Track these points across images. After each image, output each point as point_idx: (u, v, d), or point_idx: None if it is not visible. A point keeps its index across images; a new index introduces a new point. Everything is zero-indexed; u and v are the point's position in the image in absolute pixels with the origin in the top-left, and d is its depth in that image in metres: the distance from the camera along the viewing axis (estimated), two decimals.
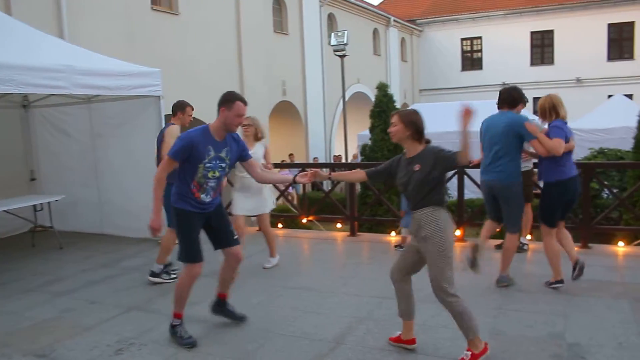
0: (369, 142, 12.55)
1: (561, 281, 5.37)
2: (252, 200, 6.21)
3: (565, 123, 5.30)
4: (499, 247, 6.72)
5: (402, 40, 28.46)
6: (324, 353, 4.19)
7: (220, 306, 4.75)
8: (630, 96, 20.02)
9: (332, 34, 13.79)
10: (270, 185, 6.44)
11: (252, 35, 14.49)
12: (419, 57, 29.97)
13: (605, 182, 8.67)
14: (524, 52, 28.14)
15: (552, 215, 5.29)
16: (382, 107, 11.86)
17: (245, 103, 4.19)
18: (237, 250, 4.51)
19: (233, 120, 4.14)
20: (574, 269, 5.31)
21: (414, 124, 3.79)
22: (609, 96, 19.22)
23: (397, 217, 8.02)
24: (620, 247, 6.96)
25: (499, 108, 5.42)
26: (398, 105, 25.77)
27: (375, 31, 25.57)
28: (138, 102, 7.61)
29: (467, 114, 3.57)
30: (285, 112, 18.05)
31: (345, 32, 13.44)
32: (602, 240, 7.68)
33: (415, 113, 3.89)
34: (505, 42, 27.78)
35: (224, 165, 4.27)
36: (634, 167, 9.43)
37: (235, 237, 4.54)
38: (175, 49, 11.91)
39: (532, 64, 28.19)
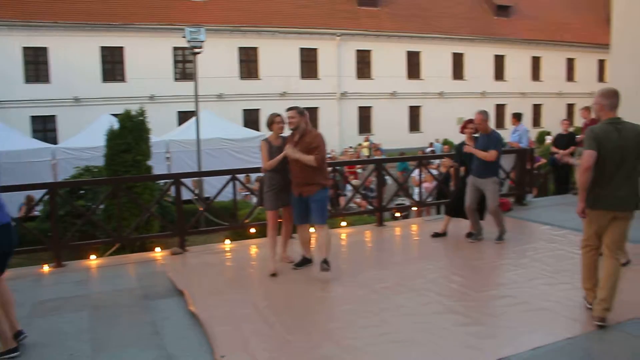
0: None
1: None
2: None
3: None
4: None
5: None
6: None
7: None
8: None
9: None
10: None
11: None
12: None
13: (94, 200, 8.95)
14: (17, 68, 26.78)
15: None
16: None
17: None
18: None
19: None
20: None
21: None
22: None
23: None
24: (93, 260, 7.28)
25: None
26: None
27: None
28: None
29: None
30: None
31: None
32: (84, 255, 7.86)
33: None
34: None
35: None
36: (99, 182, 9.72)
37: None
38: None
39: (27, 81, 27.06)
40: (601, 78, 40.35)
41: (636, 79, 10.21)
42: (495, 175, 7.42)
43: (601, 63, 40.48)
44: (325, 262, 5.99)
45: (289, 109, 6.23)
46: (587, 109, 11.65)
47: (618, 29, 11.23)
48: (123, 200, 8.28)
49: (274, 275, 6.15)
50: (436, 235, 7.84)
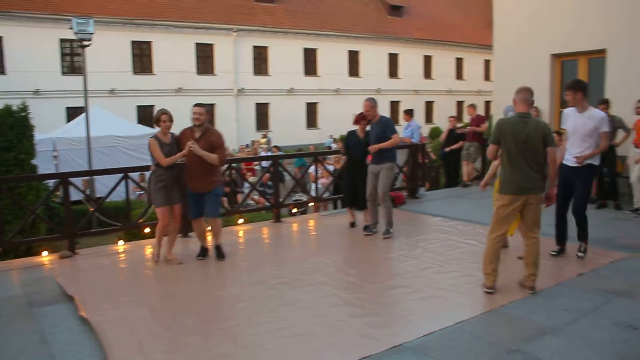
0: None
1: None
2: None
3: None
4: None
5: None
6: None
7: None
8: None
9: None
10: None
11: None
12: None
13: None
14: None
15: None
16: None
17: None
18: None
19: None
20: None
21: None
22: None
23: None
24: None
25: None
26: None
27: None
28: None
29: None
30: None
31: None
32: None
33: None
34: None
35: None
36: None
37: None
38: None
39: None
40: (487, 77, 42.73)
41: (516, 77, 10.88)
42: (392, 161, 7.58)
43: (487, 63, 42.80)
44: (219, 249, 6.66)
45: (197, 105, 6.38)
46: (472, 106, 12.34)
47: (499, 30, 11.93)
48: (5, 201, 7.75)
49: (156, 262, 6.53)
50: (352, 225, 8.24)
